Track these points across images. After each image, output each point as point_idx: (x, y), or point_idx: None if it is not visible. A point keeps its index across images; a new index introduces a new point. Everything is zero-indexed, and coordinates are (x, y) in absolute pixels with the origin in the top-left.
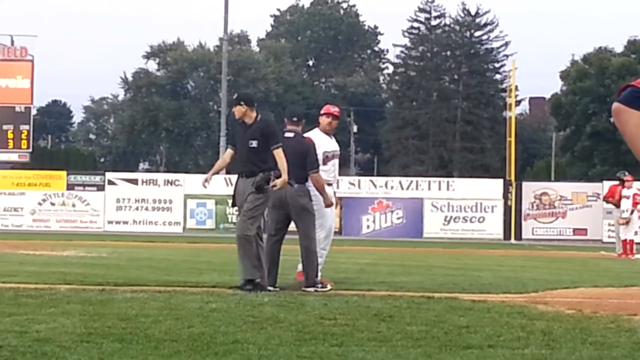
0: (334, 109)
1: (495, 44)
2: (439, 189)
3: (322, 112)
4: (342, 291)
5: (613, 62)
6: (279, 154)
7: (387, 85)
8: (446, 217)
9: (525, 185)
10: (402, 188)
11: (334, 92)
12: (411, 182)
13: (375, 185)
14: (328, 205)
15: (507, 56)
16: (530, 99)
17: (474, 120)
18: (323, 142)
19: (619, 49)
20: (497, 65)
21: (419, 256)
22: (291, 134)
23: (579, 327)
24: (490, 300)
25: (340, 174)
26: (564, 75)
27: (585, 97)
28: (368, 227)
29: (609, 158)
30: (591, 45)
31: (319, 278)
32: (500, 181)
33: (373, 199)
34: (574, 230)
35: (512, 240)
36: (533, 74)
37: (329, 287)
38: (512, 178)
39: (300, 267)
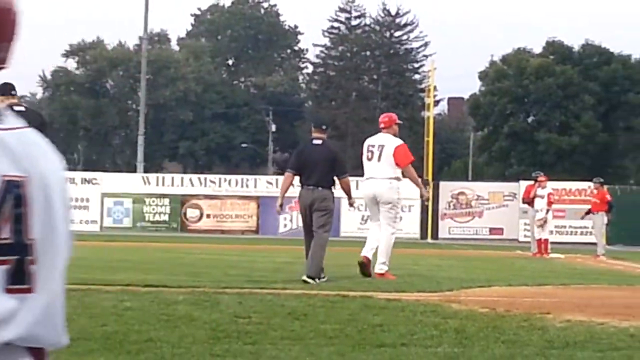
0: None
1: (414, 44)
2: (357, 188)
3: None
4: (257, 290)
5: (531, 63)
6: None
7: (307, 84)
8: (363, 216)
9: (443, 185)
10: None
11: (254, 91)
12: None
13: (292, 185)
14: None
15: (426, 56)
16: (449, 99)
17: None
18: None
19: (538, 49)
20: (416, 65)
21: (335, 255)
22: (319, 141)
23: (492, 325)
24: (404, 299)
25: (258, 173)
26: (483, 76)
27: (503, 98)
28: (285, 225)
29: (526, 158)
30: (510, 46)
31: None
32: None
33: (291, 198)
34: (490, 229)
35: (429, 240)
36: (452, 74)
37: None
38: (430, 178)
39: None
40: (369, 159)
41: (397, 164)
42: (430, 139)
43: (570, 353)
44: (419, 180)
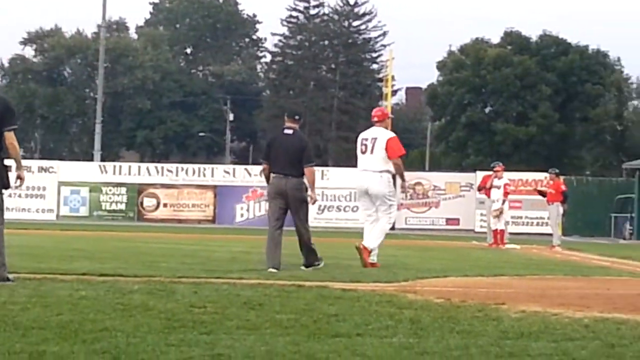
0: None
1: (373, 34)
2: (322, 178)
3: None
4: (213, 279)
5: (489, 53)
6: None
7: (265, 74)
8: (320, 206)
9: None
10: None
11: (212, 80)
12: None
13: (250, 174)
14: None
15: (384, 46)
16: (407, 89)
17: (350, 109)
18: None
19: (496, 40)
20: (374, 55)
21: (291, 245)
22: (290, 131)
23: (447, 315)
24: (360, 289)
25: (215, 162)
26: (441, 66)
27: (461, 88)
28: (242, 215)
29: (483, 148)
30: (468, 36)
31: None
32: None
33: (247, 188)
34: (447, 219)
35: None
36: (410, 64)
37: (322, 263)
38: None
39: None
40: (363, 152)
41: (388, 156)
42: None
43: (525, 343)
44: (404, 174)
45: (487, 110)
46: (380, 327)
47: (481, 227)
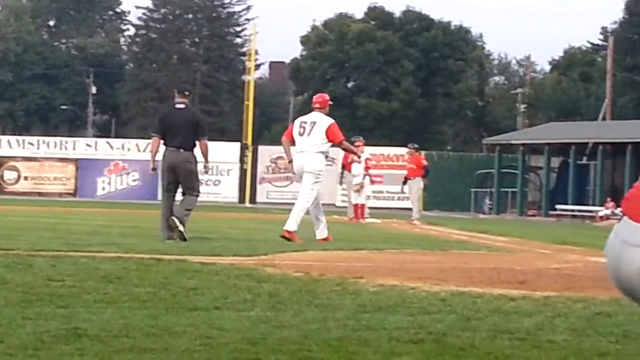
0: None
1: (237, 8)
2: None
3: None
4: (72, 253)
5: (352, 28)
6: None
7: (128, 47)
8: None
9: (262, 149)
10: (139, 150)
11: (74, 53)
12: (148, 144)
13: (112, 147)
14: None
15: (248, 20)
16: (270, 63)
17: (213, 83)
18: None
19: (359, 15)
20: (238, 29)
21: (153, 218)
22: (182, 105)
23: (305, 289)
24: (219, 263)
25: (77, 135)
26: (304, 41)
27: (324, 63)
28: (103, 189)
29: (345, 123)
30: (332, 11)
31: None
32: (237, 145)
33: (109, 161)
34: None
35: (247, 204)
36: (274, 38)
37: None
38: (249, 142)
39: (291, 226)
40: (301, 134)
41: (331, 141)
42: (251, 102)
43: (382, 317)
44: (353, 148)
45: (349, 85)
46: (238, 301)
47: (342, 201)
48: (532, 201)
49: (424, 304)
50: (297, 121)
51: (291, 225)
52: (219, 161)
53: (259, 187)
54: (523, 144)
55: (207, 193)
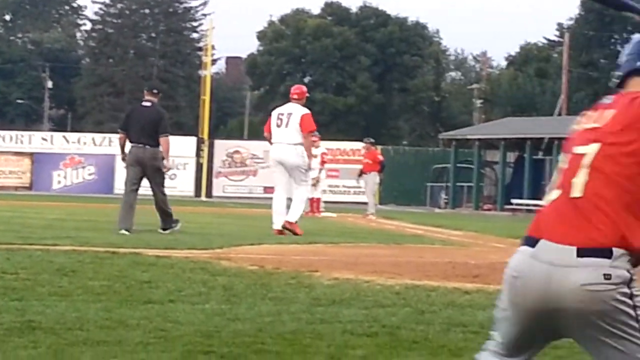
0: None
1: (193, 3)
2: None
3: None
4: (27, 246)
5: (309, 24)
6: None
7: (84, 41)
8: None
9: (218, 143)
10: (95, 144)
11: (31, 47)
12: (104, 138)
13: (67, 141)
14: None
15: (205, 15)
16: (227, 58)
17: (170, 78)
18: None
19: (316, 10)
20: (194, 24)
21: (108, 212)
22: (149, 103)
23: (260, 282)
24: (174, 256)
25: (33, 130)
26: (261, 36)
27: (280, 58)
28: (59, 182)
29: None
30: (289, 7)
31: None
32: (194, 139)
33: (65, 155)
34: (265, 188)
35: (203, 198)
36: (230, 33)
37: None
38: (205, 136)
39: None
40: (278, 126)
41: (301, 129)
42: (207, 97)
43: (336, 310)
44: (311, 150)
45: (306, 80)
46: (193, 294)
47: None
48: (487, 196)
49: (379, 298)
50: (274, 113)
51: (293, 216)
52: (175, 155)
53: (215, 181)
54: (479, 139)
55: (167, 187)
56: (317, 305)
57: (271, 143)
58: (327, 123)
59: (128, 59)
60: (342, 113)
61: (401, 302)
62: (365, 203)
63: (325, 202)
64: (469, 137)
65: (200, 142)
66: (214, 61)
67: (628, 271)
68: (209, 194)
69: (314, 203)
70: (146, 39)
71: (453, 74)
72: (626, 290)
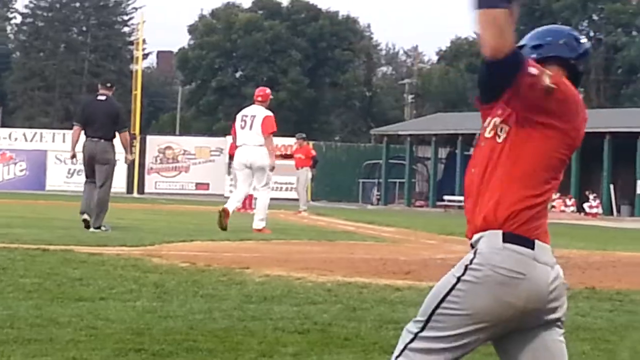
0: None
1: None
2: (63, 141)
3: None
4: None
5: (240, 18)
6: None
7: (15, 35)
8: (70, 170)
9: (150, 138)
10: (27, 140)
11: None
12: (35, 133)
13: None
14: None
15: (135, 9)
16: (158, 52)
17: (101, 72)
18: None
19: (247, 5)
20: (125, 18)
21: (40, 209)
22: (103, 97)
23: (192, 279)
24: (105, 253)
25: None
26: (192, 30)
27: (212, 52)
28: None
29: (233, 113)
30: (220, 1)
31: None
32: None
33: None
34: (197, 184)
35: (135, 194)
36: (161, 27)
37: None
38: (137, 132)
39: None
40: (242, 128)
41: (262, 131)
42: (138, 92)
43: (268, 307)
44: (272, 147)
45: (237, 74)
46: (124, 291)
47: (230, 192)
48: (419, 192)
49: (310, 295)
50: (239, 115)
51: (258, 223)
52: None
53: (147, 177)
54: (411, 135)
55: None
56: (249, 302)
57: (237, 146)
58: None
59: (59, 53)
60: (274, 108)
61: (333, 299)
62: (296, 199)
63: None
64: (400, 132)
65: (131, 137)
66: (145, 55)
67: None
68: (141, 190)
69: (245, 200)
70: (77, 32)
71: (384, 68)
72: None
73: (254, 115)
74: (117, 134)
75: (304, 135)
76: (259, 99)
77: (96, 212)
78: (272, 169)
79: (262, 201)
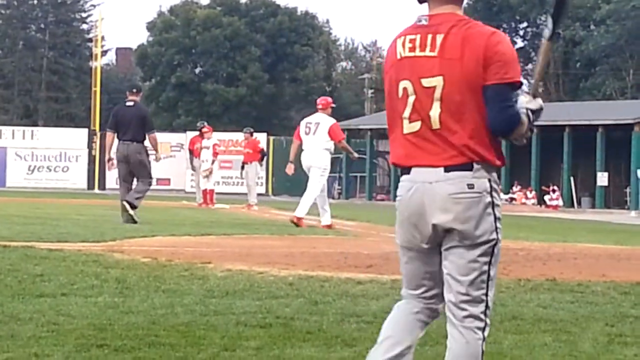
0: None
1: None
2: (23, 138)
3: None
4: None
5: (199, 14)
6: None
7: None
8: (30, 166)
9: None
10: None
11: None
12: None
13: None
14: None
15: (94, 6)
16: (117, 49)
17: (60, 69)
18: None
19: (205, 1)
20: (84, 15)
21: (2, 206)
22: (131, 103)
23: (153, 275)
24: (66, 249)
25: None
26: (151, 27)
27: (171, 49)
28: None
29: (193, 109)
30: None
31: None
32: (85, 131)
33: None
34: (158, 180)
35: (96, 190)
36: (120, 24)
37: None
38: (97, 128)
39: (300, 212)
40: (307, 134)
41: (332, 139)
42: (98, 89)
43: (230, 302)
44: (350, 148)
45: (197, 71)
46: (85, 287)
47: (191, 187)
48: (380, 186)
49: (272, 289)
50: (303, 122)
51: (301, 212)
52: (67, 147)
53: (108, 173)
54: (371, 129)
55: (56, 179)
56: (211, 297)
57: (292, 150)
58: (219, 114)
59: (17, 51)
60: (234, 104)
61: (295, 293)
62: (258, 194)
63: (218, 193)
64: (361, 127)
65: (92, 134)
66: (104, 52)
67: (489, 181)
68: (101, 186)
69: (207, 194)
70: (35, 30)
71: (344, 63)
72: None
73: (318, 123)
74: (146, 135)
75: (251, 130)
76: (320, 107)
77: (135, 196)
78: (355, 159)
79: (308, 196)
